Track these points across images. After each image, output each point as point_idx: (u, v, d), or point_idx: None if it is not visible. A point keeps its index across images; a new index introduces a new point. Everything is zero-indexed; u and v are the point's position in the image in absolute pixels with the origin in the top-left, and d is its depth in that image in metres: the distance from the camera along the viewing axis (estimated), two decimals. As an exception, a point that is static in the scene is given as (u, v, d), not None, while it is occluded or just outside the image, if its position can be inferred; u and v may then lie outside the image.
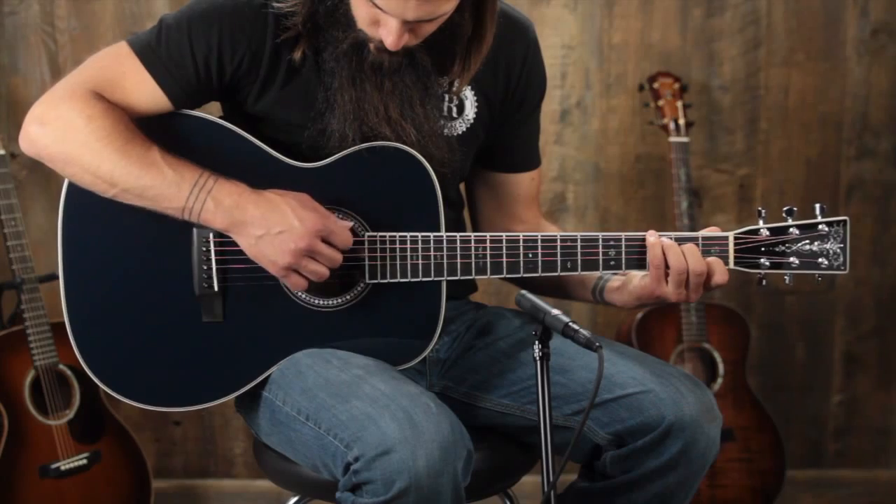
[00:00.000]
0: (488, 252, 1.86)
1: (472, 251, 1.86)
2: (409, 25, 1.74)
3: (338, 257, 1.80)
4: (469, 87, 1.96)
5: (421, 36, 1.79)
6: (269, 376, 1.89)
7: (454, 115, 1.96)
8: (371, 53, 1.80)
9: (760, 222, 1.88)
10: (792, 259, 1.87)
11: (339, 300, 1.87)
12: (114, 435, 2.91)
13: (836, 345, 3.30)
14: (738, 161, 3.19)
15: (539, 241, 1.86)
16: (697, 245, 1.85)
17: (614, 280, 1.94)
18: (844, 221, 1.86)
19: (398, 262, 1.85)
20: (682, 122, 3.01)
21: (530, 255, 1.86)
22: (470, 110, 1.97)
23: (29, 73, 3.10)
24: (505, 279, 1.95)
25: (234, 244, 1.83)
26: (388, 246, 1.85)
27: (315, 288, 1.85)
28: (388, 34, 1.74)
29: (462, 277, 1.87)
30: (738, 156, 3.19)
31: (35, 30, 3.09)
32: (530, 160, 2.09)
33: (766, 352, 3.28)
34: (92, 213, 1.84)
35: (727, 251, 1.87)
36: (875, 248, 3.24)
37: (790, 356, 3.30)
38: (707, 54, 3.14)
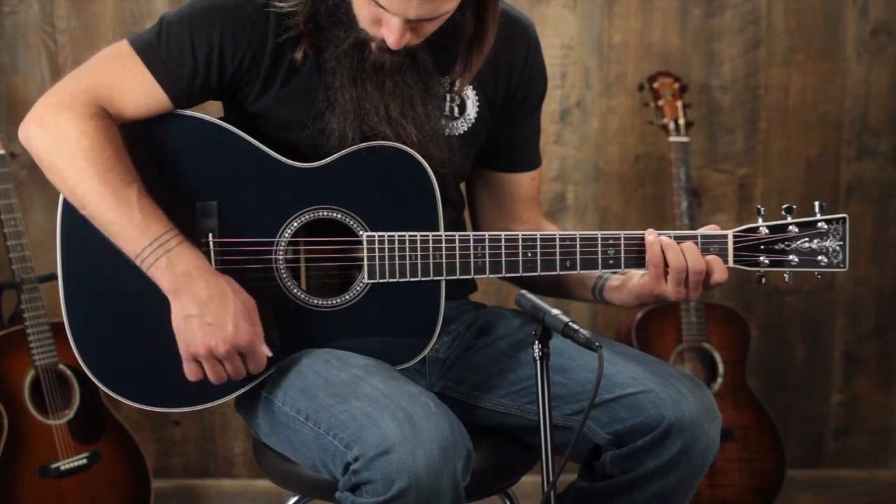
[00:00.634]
0: (487, 252, 1.86)
1: (472, 251, 1.86)
2: (410, 24, 1.74)
3: (242, 374, 1.79)
4: (470, 87, 1.95)
5: (423, 35, 1.79)
6: (268, 376, 1.89)
7: (456, 114, 1.96)
8: (372, 53, 1.80)
9: (760, 220, 1.88)
10: (791, 257, 1.87)
11: (339, 300, 1.87)
12: (114, 435, 2.91)
13: (836, 345, 3.30)
14: (737, 161, 3.19)
15: (538, 240, 1.86)
16: (696, 243, 1.85)
17: (614, 279, 1.93)
18: (844, 219, 1.86)
19: (397, 261, 1.85)
20: (681, 121, 3.01)
21: (529, 255, 1.86)
22: (471, 110, 1.97)
23: (29, 73, 3.11)
24: (505, 279, 1.95)
25: (233, 244, 1.83)
26: (387, 246, 1.85)
27: (315, 288, 1.84)
28: (391, 33, 1.74)
29: (461, 277, 1.87)
30: (737, 156, 3.19)
31: (35, 30, 3.09)
32: (531, 160, 2.09)
33: (766, 352, 3.28)
34: (91, 212, 1.84)
35: (726, 249, 1.86)
36: (875, 247, 3.24)
37: (790, 356, 3.30)
38: (707, 54, 3.14)
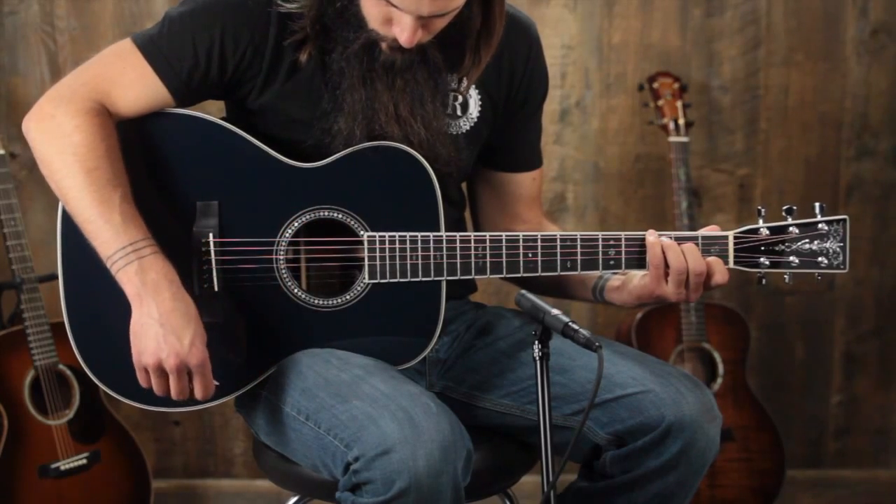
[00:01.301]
0: (488, 252, 1.86)
1: (472, 251, 1.86)
2: (422, 21, 1.74)
3: (185, 394, 1.77)
4: (473, 86, 1.95)
5: (433, 31, 1.79)
6: (269, 376, 1.89)
7: (458, 113, 1.96)
8: (383, 53, 1.80)
9: (760, 221, 1.88)
10: (791, 258, 1.87)
11: (339, 300, 1.87)
12: (113, 435, 2.91)
13: (836, 345, 3.30)
14: (737, 161, 3.19)
15: (539, 240, 1.86)
16: (697, 244, 1.85)
17: (614, 279, 1.93)
18: (844, 220, 1.86)
19: (398, 261, 1.85)
20: (681, 121, 3.01)
21: (530, 255, 1.86)
22: (474, 109, 1.97)
23: (29, 73, 3.11)
24: (505, 279, 1.95)
25: (234, 244, 1.83)
26: (387, 245, 1.85)
27: (315, 288, 1.84)
28: (403, 31, 1.74)
29: (462, 277, 1.87)
30: (737, 156, 3.19)
31: (35, 30, 3.09)
32: (532, 160, 2.09)
33: (765, 352, 3.28)
34: (91, 212, 1.83)
35: (727, 250, 1.86)
36: (875, 247, 3.24)
37: (790, 356, 3.30)
38: (707, 54, 3.14)
